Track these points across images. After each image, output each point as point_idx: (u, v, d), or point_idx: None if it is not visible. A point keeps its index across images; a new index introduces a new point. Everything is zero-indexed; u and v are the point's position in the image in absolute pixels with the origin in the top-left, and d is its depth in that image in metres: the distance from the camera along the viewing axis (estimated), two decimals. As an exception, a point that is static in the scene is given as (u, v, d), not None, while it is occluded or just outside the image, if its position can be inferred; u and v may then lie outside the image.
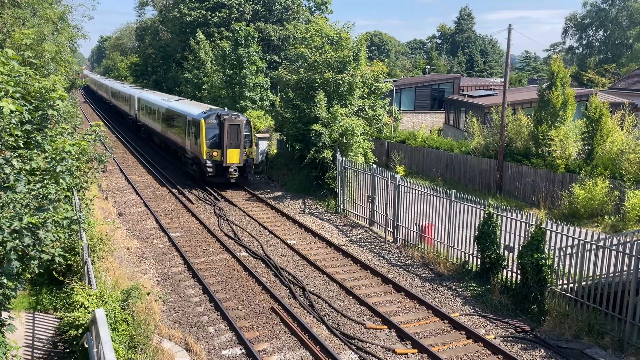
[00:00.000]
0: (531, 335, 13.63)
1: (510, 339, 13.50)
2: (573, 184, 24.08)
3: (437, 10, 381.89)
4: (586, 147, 26.55)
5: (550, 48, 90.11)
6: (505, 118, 28.65)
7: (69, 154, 9.68)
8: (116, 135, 49.43)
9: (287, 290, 16.22)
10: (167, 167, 34.49)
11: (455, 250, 18.22)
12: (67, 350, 10.54)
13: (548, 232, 14.59)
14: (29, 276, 8.56)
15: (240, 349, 12.68)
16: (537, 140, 27.95)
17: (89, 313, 9.86)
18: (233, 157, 28.35)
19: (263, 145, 33.63)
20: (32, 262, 7.91)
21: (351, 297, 15.72)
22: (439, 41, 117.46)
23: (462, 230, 17.94)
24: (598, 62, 68.25)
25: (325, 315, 14.55)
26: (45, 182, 9.04)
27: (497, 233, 16.18)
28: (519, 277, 15.23)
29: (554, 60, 29.30)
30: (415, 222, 19.98)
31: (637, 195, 20.40)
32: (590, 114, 26.06)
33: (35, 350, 10.52)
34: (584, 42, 75.76)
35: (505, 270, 16.18)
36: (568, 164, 25.94)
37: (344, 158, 25.76)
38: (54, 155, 9.57)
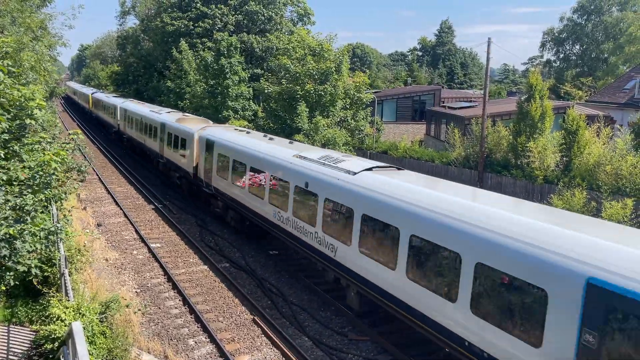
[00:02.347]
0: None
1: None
2: (552, 195, 24.46)
3: (417, 24, 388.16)
4: (564, 158, 27.04)
5: (529, 61, 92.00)
6: (485, 129, 29.06)
7: (54, 169, 9.54)
8: (96, 144, 48.82)
9: (269, 301, 16.11)
10: (147, 177, 34.14)
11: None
12: (43, 364, 10.31)
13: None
14: (4, 288, 8.39)
15: (221, 361, 12.56)
16: (516, 152, 28.39)
17: (65, 326, 9.67)
18: None
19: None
20: (8, 273, 7.76)
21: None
22: (420, 53, 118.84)
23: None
24: (575, 76, 69.78)
25: (307, 327, 14.42)
26: (24, 193, 8.90)
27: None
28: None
29: (532, 73, 29.90)
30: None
31: (614, 206, 20.78)
32: (568, 126, 26.58)
33: (9, 365, 10.26)
34: (561, 55, 77.50)
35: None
36: (547, 175, 26.37)
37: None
38: (37, 169, 9.44)
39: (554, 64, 79.70)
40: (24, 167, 9.46)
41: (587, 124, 27.66)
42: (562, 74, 73.95)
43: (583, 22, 72.53)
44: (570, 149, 26.41)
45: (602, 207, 22.32)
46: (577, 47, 75.35)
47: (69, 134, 16.00)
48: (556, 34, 75.90)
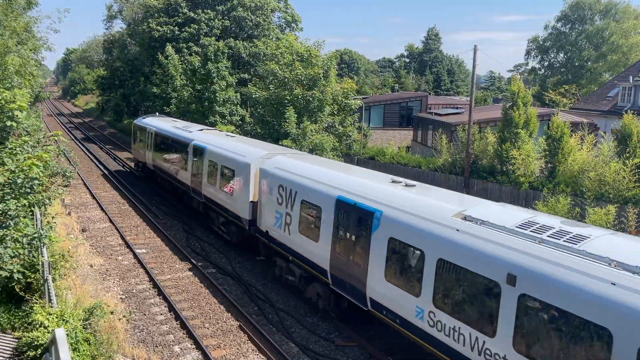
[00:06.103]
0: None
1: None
2: (537, 201, 24.69)
3: (404, 30, 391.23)
4: (548, 165, 27.31)
5: (514, 69, 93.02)
6: (471, 136, 29.29)
7: (37, 175, 9.41)
8: (81, 148, 48.29)
9: (256, 307, 16.03)
10: (133, 182, 33.83)
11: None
12: (25, 371, 10.13)
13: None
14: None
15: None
16: (501, 158, 28.62)
17: (48, 332, 9.53)
18: None
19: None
20: (-11, 279, 7.63)
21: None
22: (407, 60, 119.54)
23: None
24: (559, 83, 70.62)
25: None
26: (5, 197, 8.77)
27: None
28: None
29: (515, 80, 30.21)
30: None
31: (597, 212, 21.03)
32: (552, 133, 26.87)
33: (-10, 373, 10.07)
34: (546, 63, 78.49)
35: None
36: (531, 182, 26.61)
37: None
38: (19, 173, 9.30)
39: (538, 71, 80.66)
40: (6, 170, 9.31)
41: (572, 130, 27.99)
42: (547, 82, 74.88)
43: (567, 31, 73.59)
44: (555, 155, 26.69)
45: (586, 212, 22.59)
46: (561, 55, 76.39)
47: (51, 135, 15.75)
48: (541, 42, 76.89)
